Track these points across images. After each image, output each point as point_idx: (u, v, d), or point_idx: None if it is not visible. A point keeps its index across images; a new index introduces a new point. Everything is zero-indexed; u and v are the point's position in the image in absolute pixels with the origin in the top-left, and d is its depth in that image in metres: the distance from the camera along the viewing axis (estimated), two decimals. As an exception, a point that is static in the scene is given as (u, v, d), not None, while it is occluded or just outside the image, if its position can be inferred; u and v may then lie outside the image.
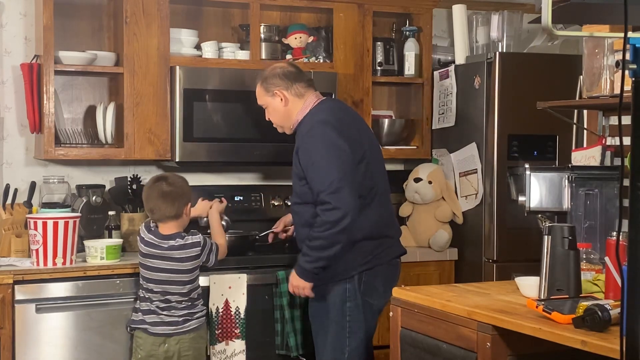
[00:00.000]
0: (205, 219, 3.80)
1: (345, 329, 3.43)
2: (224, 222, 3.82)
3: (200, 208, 3.77)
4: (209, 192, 4.32)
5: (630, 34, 1.79)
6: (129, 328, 3.54)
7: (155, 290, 3.44)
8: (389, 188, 3.62)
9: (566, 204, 3.23)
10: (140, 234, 3.53)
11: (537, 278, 2.78)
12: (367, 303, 3.45)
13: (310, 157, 3.32)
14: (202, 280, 3.67)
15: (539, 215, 3.30)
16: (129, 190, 4.12)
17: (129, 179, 4.14)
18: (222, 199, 3.89)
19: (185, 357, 3.47)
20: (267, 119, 3.63)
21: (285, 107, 3.50)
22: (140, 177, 4.17)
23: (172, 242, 3.45)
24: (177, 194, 3.48)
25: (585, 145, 3.84)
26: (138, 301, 3.54)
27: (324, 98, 3.56)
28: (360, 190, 3.35)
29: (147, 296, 3.48)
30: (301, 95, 3.50)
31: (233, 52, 4.25)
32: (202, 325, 3.56)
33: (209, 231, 3.75)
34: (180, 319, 3.46)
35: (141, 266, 3.50)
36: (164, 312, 3.45)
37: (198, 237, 3.51)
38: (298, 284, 3.39)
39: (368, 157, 3.43)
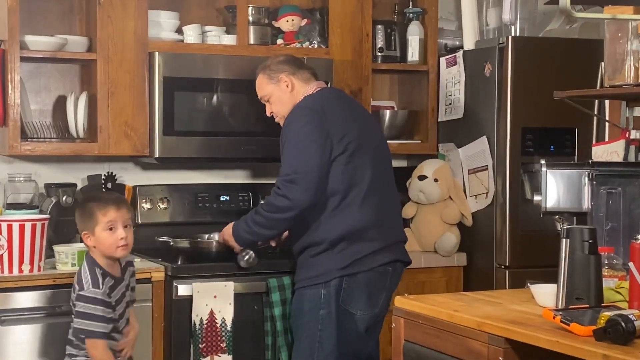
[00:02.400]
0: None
1: (316, 337, 3.48)
2: (247, 257, 3.71)
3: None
4: (192, 191, 4.32)
5: (657, 14, 1.78)
6: None
7: None
8: (391, 189, 3.64)
9: (586, 204, 3.23)
10: None
11: (554, 286, 2.79)
12: (348, 313, 3.48)
13: (284, 140, 3.49)
14: (185, 289, 3.68)
15: (556, 217, 3.31)
16: (104, 190, 4.11)
17: (103, 176, 4.14)
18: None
19: None
20: (268, 113, 3.70)
21: (292, 93, 3.61)
22: (115, 175, 4.16)
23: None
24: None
25: (607, 139, 3.85)
26: None
27: (325, 87, 3.68)
28: (334, 185, 3.44)
29: None
30: (307, 80, 3.64)
31: (218, 37, 4.24)
32: None
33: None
34: None
35: None
36: None
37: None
38: (227, 238, 3.64)
39: (354, 153, 3.47)
